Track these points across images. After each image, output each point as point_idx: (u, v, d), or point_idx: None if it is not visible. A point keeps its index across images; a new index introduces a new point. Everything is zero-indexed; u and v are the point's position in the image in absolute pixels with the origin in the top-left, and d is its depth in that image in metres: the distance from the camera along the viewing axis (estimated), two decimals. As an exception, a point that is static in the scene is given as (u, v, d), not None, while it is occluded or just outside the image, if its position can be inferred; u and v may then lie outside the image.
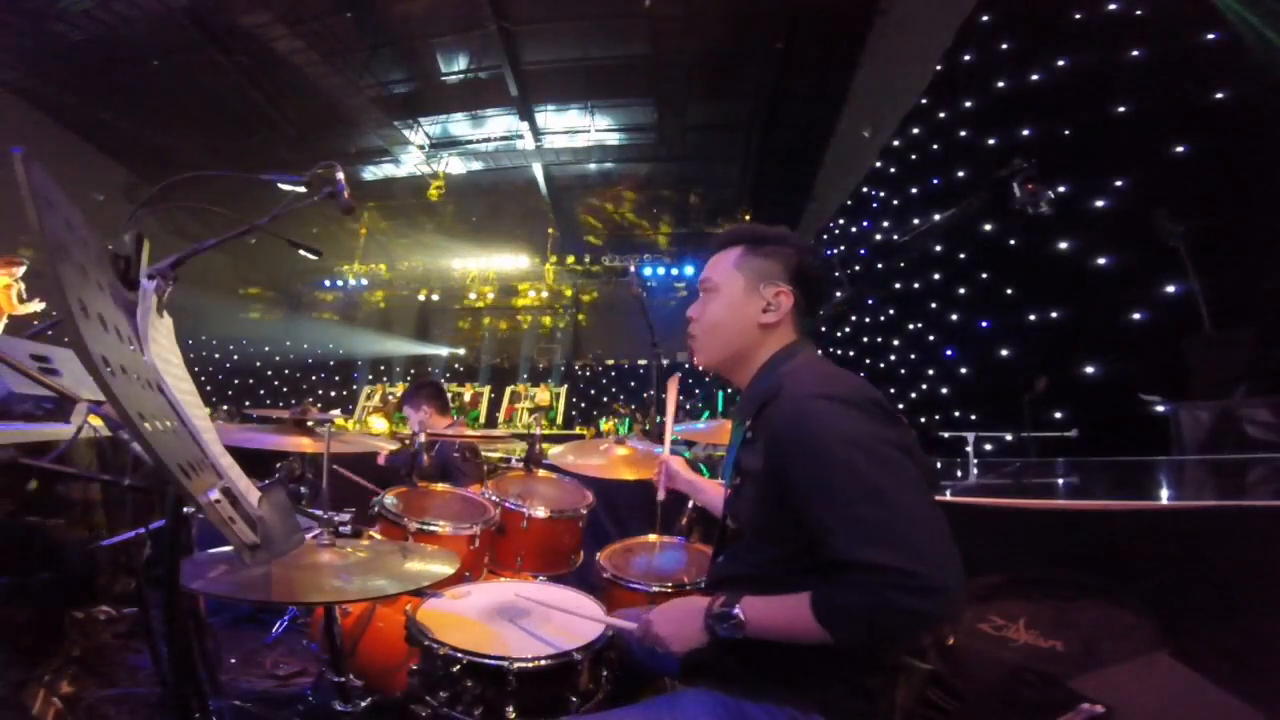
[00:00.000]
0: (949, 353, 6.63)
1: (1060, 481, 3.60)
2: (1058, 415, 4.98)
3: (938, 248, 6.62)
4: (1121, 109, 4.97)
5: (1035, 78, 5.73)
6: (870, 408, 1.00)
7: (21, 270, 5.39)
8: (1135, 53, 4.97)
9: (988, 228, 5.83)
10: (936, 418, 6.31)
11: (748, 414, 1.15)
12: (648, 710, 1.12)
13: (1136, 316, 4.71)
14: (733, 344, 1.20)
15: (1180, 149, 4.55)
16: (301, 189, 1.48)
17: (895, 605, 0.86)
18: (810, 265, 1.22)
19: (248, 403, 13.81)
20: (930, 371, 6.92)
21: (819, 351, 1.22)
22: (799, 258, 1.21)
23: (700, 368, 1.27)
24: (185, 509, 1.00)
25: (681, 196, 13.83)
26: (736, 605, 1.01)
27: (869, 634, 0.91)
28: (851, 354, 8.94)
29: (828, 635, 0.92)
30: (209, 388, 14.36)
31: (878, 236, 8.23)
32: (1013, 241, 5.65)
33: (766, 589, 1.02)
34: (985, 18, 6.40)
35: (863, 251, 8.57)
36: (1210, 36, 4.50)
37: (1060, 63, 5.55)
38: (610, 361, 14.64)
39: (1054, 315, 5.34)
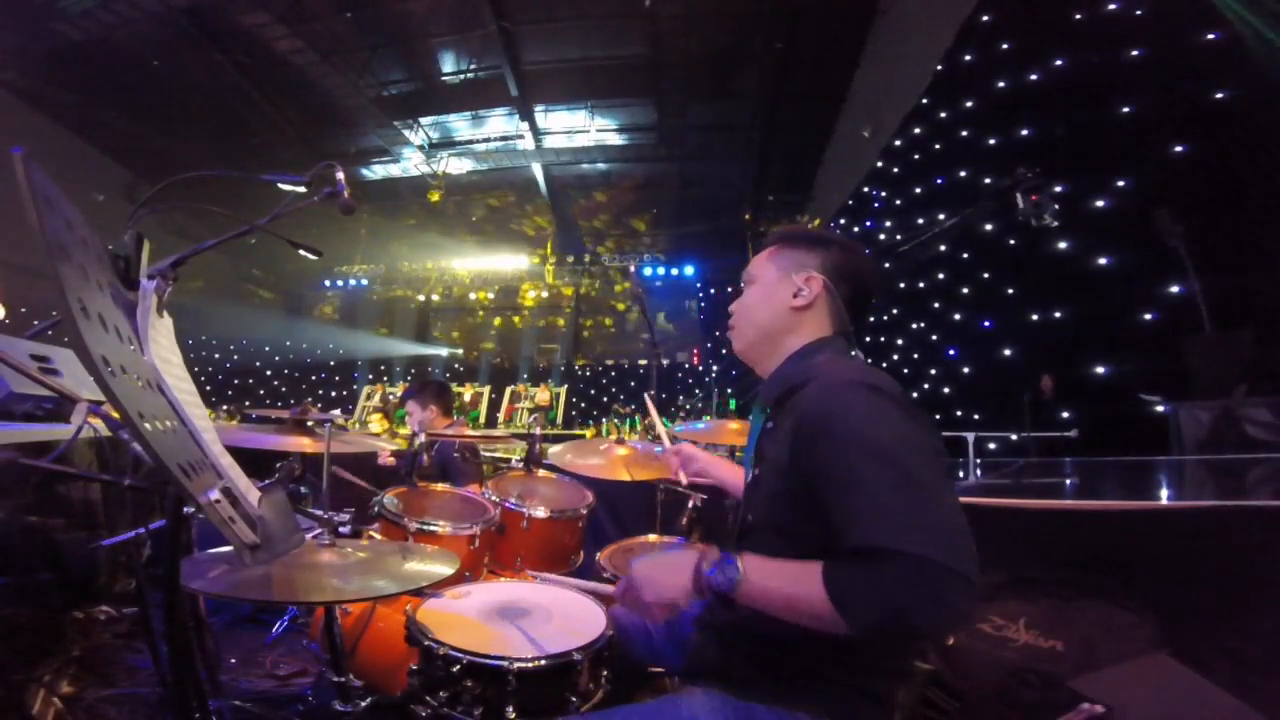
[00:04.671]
0: (951, 352, 6.63)
1: (1061, 481, 3.60)
2: (1058, 415, 4.98)
3: (941, 248, 6.62)
4: (1122, 109, 4.97)
5: (1035, 78, 5.73)
6: (906, 403, 0.97)
7: None
8: (1135, 53, 4.97)
9: (989, 228, 5.83)
10: (938, 417, 6.31)
11: (770, 400, 1.14)
12: (651, 710, 1.12)
13: (1137, 317, 4.71)
14: (764, 328, 1.22)
15: (1180, 149, 4.56)
16: (301, 189, 1.47)
17: (929, 597, 0.79)
18: (847, 261, 1.22)
19: (248, 403, 13.81)
20: (932, 371, 6.92)
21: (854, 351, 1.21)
22: (836, 253, 1.21)
23: (737, 353, 1.29)
24: (185, 509, 1.00)
25: (681, 196, 13.83)
26: (737, 557, 0.93)
27: (888, 621, 0.82)
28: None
29: (836, 613, 0.84)
30: (209, 388, 14.35)
31: (881, 237, 8.23)
32: (1013, 242, 5.66)
33: None
34: (985, 18, 6.40)
35: (866, 251, 8.57)
36: (1210, 36, 4.51)
37: (1060, 63, 5.55)
38: (610, 361, 14.64)
39: (1055, 315, 5.34)
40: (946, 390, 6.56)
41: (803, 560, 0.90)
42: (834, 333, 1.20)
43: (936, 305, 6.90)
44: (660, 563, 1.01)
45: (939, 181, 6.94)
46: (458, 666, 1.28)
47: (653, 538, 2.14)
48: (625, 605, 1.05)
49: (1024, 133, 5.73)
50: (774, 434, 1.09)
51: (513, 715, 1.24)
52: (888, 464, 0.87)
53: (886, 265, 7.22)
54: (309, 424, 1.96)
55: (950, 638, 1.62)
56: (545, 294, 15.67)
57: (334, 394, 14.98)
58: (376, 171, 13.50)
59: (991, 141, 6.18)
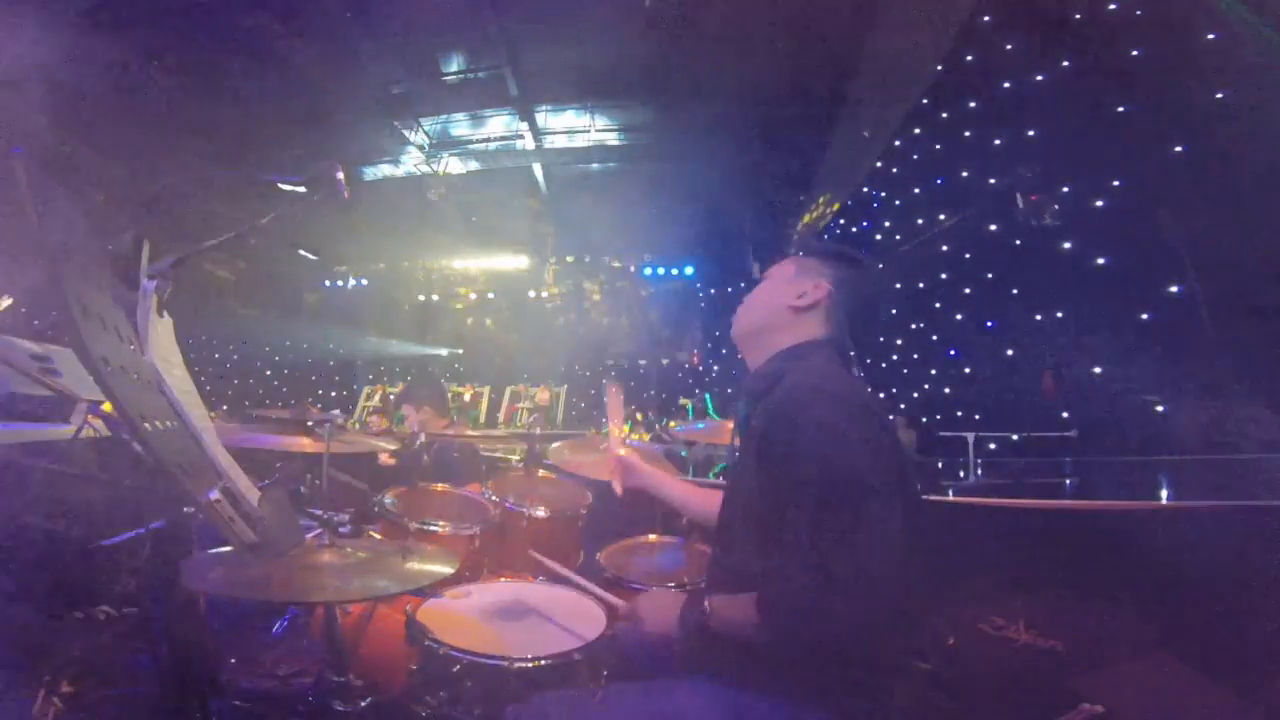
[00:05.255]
0: (951, 352, 6.63)
1: (1061, 481, 3.60)
2: (1059, 415, 4.98)
3: (942, 248, 6.63)
4: (1122, 109, 4.97)
5: (1035, 78, 5.73)
6: (863, 413, 1.02)
7: None
8: (1135, 53, 4.97)
9: (990, 228, 5.84)
10: (938, 417, 6.31)
11: (752, 399, 1.17)
12: (650, 690, 1.13)
13: (1137, 317, 4.71)
14: (759, 320, 1.27)
15: (1180, 149, 4.56)
16: (301, 189, 1.47)
17: (834, 622, 0.92)
18: (861, 280, 1.28)
19: (247, 403, 13.80)
20: (932, 371, 6.92)
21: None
22: (853, 271, 1.27)
23: (732, 336, 1.33)
24: (185, 509, 1.00)
25: (681, 197, 13.82)
26: (706, 600, 1.08)
27: (807, 636, 0.96)
28: (851, 354, 8.92)
29: (768, 634, 0.98)
30: (209, 388, 14.34)
31: (878, 237, 8.22)
32: (1014, 242, 5.66)
33: (755, 586, 1.03)
34: (986, 18, 6.39)
35: (864, 252, 8.57)
36: (1210, 36, 4.50)
37: (1060, 63, 5.55)
38: (610, 361, 14.63)
39: (1055, 315, 5.34)
40: (947, 390, 6.56)
41: (771, 564, 1.02)
42: (823, 338, 1.21)
43: (937, 305, 6.90)
44: (656, 604, 1.19)
45: (939, 182, 6.94)
46: (458, 666, 1.28)
47: (653, 538, 2.15)
48: (628, 623, 1.21)
49: (1024, 133, 5.73)
50: (752, 431, 1.14)
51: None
52: (825, 480, 0.95)
53: (881, 266, 7.25)
54: (309, 424, 1.96)
55: (944, 633, 1.62)
56: (546, 294, 15.66)
57: (334, 394, 14.97)
58: (377, 172, 13.49)
59: (992, 142, 6.18)
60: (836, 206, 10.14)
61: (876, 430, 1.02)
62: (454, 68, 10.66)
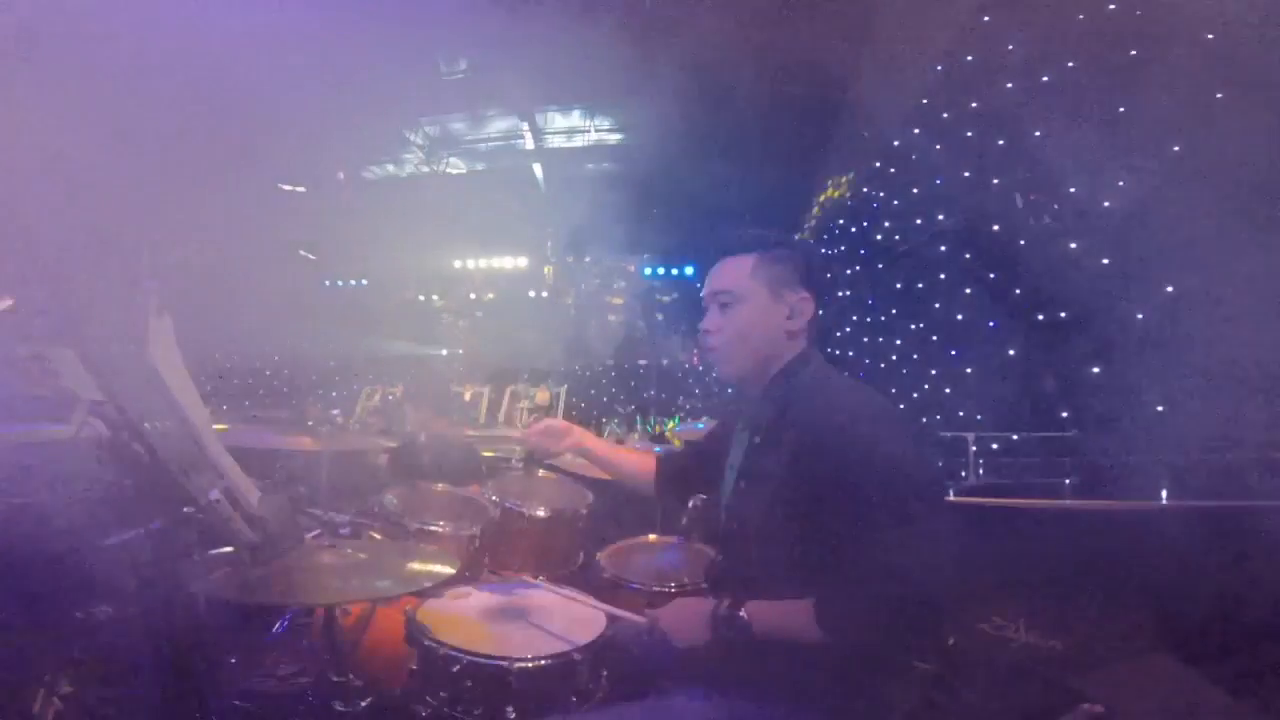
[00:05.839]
0: (952, 352, 6.63)
1: (1061, 481, 3.60)
2: (1059, 415, 4.98)
3: (941, 248, 6.63)
4: (1122, 109, 4.97)
5: (1036, 78, 5.73)
6: (904, 424, 1.07)
7: None
8: (1134, 52, 4.97)
9: (991, 228, 5.83)
10: (938, 417, 6.30)
11: (763, 419, 1.17)
12: (645, 707, 1.13)
13: (1137, 316, 4.71)
14: (760, 353, 1.22)
15: (1178, 148, 4.56)
16: (301, 189, 1.47)
17: (896, 626, 0.94)
18: (818, 268, 1.25)
19: (248, 403, 13.80)
20: (933, 371, 6.91)
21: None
22: (817, 266, 1.26)
23: (724, 378, 1.28)
24: (185, 509, 1.00)
25: (682, 197, 13.81)
26: (742, 608, 1.05)
27: (867, 637, 0.97)
28: (851, 354, 8.93)
29: (827, 637, 0.98)
30: (209, 388, 14.31)
31: (879, 238, 8.23)
32: (1014, 242, 5.65)
33: (770, 591, 1.04)
34: (986, 17, 6.39)
35: (863, 251, 8.57)
36: (1209, 36, 4.50)
37: (1061, 63, 5.55)
38: (610, 361, 14.63)
39: (1057, 315, 5.34)
40: (947, 390, 6.56)
41: (792, 571, 1.04)
42: (809, 343, 1.22)
43: (937, 305, 6.90)
44: (681, 615, 1.14)
45: (938, 182, 6.94)
46: (458, 666, 1.28)
47: (653, 538, 2.15)
48: (653, 640, 1.17)
49: (1024, 133, 5.73)
50: (765, 449, 1.15)
51: (513, 715, 1.24)
52: (882, 498, 0.97)
53: (880, 266, 7.23)
54: (309, 424, 1.97)
55: (944, 633, 1.62)
56: (545, 294, 15.66)
57: (334, 394, 14.96)
58: (376, 172, 13.50)
59: (992, 142, 6.17)
60: (848, 184, 10.10)
61: (910, 436, 1.08)
62: (454, 68, 10.66)
